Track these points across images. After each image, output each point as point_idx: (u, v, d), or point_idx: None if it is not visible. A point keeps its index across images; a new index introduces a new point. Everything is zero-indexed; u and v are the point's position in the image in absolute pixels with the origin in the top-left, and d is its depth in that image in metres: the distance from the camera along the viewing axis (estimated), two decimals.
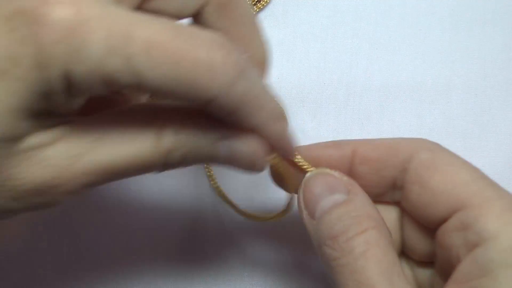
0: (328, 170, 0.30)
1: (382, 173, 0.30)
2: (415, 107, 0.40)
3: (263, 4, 0.40)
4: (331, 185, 0.29)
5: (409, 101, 0.40)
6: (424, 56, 0.40)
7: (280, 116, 0.27)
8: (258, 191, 0.39)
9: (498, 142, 0.40)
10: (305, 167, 0.31)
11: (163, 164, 0.26)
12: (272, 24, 0.40)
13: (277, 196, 0.37)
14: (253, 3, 0.40)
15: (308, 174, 0.30)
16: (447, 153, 0.29)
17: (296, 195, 0.30)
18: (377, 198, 0.31)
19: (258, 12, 0.40)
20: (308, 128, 0.39)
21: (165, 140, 0.25)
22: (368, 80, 0.40)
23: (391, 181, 0.30)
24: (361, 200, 0.29)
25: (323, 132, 0.40)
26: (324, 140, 0.39)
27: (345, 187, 0.29)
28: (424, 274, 0.31)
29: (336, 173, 0.30)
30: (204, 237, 0.38)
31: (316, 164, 0.30)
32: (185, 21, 0.27)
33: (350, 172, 0.30)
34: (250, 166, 0.27)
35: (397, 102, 0.40)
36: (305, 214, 0.30)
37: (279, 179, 0.31)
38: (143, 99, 0.32)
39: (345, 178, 0.30)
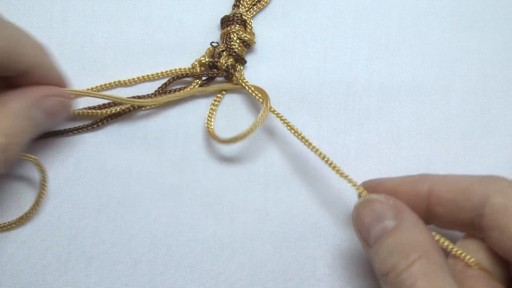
0: (374, 196, 0.31)
1: (457, 216, 0.30)
2: (415, 107, 0.40)
3: (263, 4, 0.40)
4: (379, 213, 0.30)
5: (409, 101, 0.40)
6: (424, 56, 0.40)
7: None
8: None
9: (498, 142, 0.40)
10: (359, 191, 0.32)
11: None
12: (272, 24, 0.40)
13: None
14: (253, 3, 0.40)
15: (355, 203, 0.32)
16: None
17: None
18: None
19: (259, 11, 0.40)
20: (308, 128, 0.39)
21: None
22: (368, 80, 0.40)
23: (469, 223, 0.30)
24: (408, 226, 0.29)
25: (323, 132, 0.40)
26: (324, 140, 0.39)
27: (392, 211, 0.30)
28: None
29: (382, 198, 0.31)
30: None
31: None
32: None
33: (427, 209, 0.31)
34: (65, 112, 0.35)
35: (397, 102, 0.40)
36: (361, 242, 0.31)
37: None
38: None
39: (391, 202, 0.30)
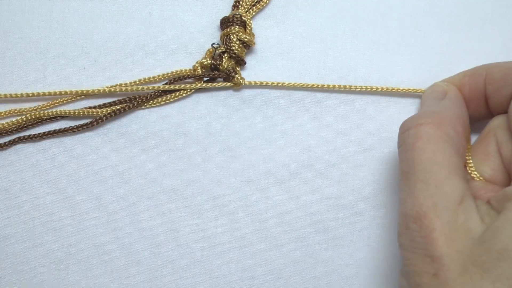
0: (439, 82, 0.36)
1: (502, 92, 0.33)
2: (415, 107, 0.40)
3: (263, 5, 0.40)
4: (435, 92, 0.35)
5: (409, 101, 0.40)
6: (424, 56, 0.41)
7: None
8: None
9: None
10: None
11: None
12: (271, 25, 0.40)
13: None
14: (253, 3, 0.40)
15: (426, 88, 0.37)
16: None
17: None
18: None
19: (258, 12, 0.40)
20: (308, 127, 0.39)
21: None
22: (368, 80, 0.40)
23: (508, 100, 0.33)
24: (445, 102, 0.33)
25: (323, 132, 0.40)
26: (324, 140, 0.39)
27: (443, 92, 0.34)
28: None
29: (444, 84, 0.35)
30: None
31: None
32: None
33: (485, 94, 0.34)
34: None
35: (397, 102, 0.40)
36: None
37: None
38: None
39: (446, 86, 0.35)
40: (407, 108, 0.40)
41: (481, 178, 0.33)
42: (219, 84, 0.39)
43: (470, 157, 0.34)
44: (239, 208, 0.39)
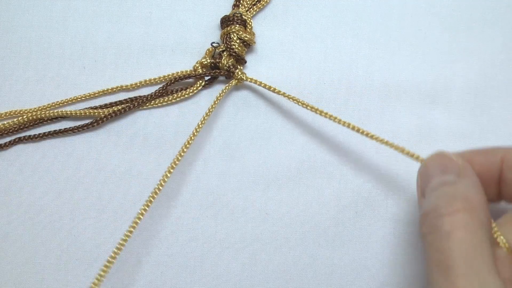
0: (447, 152, 0.31)
1: None
2: (415, 107, 0.40)
3: (263, 4, 0.40)
4: (444, 166, 0.31)
5: (409, 101, 0.40)
6: (424, 56, 0.41)
7: None
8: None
9: (498, 142, 0.40)
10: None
11: None
12: (272, 24, 0.40)
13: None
14: (253, 3, 0.40)
15: (428, 156, 0.32)
16: None
17: None
18: None
19: (259, 11, 0.40)
20: (308, 128, 0.40)
21: None
22: (368, 80, 0.40)
23: None
24: (467, 183, 0.30)
25: (323, 132, 0.40)
26: (325, 140, 0.39)
27: (457, 169, 0.30)
28: None
29: (452, 155, 0.31)
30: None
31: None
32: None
33: (500, 178, 0.31)
34: None
35: (397, 102, 0.40)
36: (417, 192, 0.32)
37: None
38: None
39: (461, 161, 0.31)
40: (408, 108, 0.40)
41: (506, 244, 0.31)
42: (224, 89, 0.39)
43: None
44: (238, 208, 0.39)
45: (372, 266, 0.39)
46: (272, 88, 0.38)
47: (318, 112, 0.36)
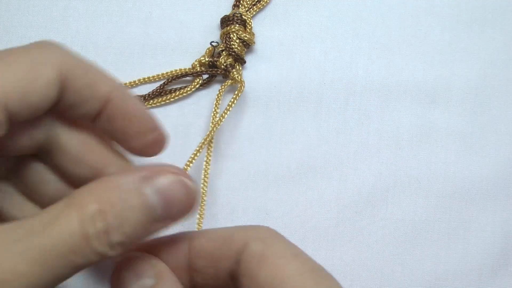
0: (136, 253, 0.28)
1: (218, 266, 0.28)
2: (415, 107, 0.40)
3: (263, 4, 0.40)
4: (139, 270, 0.28)
5: (409, 101, 0.40)
6: (424, 56, 0.40)
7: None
8: None
9: (498, 142, 0.40)
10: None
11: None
12: (272, 24, 0.40)
13: None
14: (253, 3, 0.40)
15: (119, 258, 0.28)
16: (281, 244, 0.28)
17: None
18: None
19: (259, 11, 0.40)
20: (308, 128, 0.39)
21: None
22: (368, 80, 0.40)
23: (228, 273, 0.28)
24: (167, 284, 0.27)
25: (323, 132, 0.40)
26: (324, 140, 0.39)
27: (152, 270, 0.28)
28: None
29: (143, 256, 0.28)
30: None
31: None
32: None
33: (190, 267, 0.29)
34: (187, 197, 0.26)
35: (397, 102, 0.40)
36: None
37: None
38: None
39: (154, 261, 0.28)
40: (408, 108, 0.40)
41: None
42: (221, 89, 0.38)
43: None
44: (238, 208, 0.39)
45: (372, 266, 0.39)
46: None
47: None
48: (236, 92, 0.38)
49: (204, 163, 0.36)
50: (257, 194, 0.39)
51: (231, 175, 0.39)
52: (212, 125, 0.37)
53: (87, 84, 0.27)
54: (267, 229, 0.29)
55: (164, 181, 0.26)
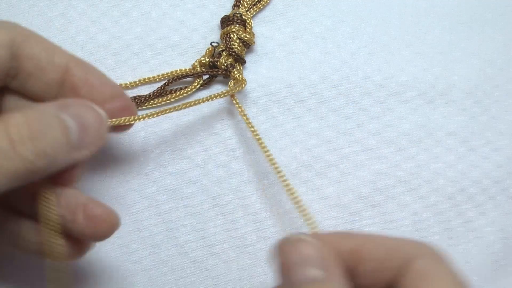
0: (310, 239, 0.28)
1: (379, 273, 0.29)
2: (415, 107, 0.40)
3: (263, 4, 0.40)
4: (308, 257, 0.28)
5: (409, 101, 0.40)
6: (424, 56, 0.41)
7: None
8: None
9: (498, 142, 0.40)
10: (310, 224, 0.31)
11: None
12: (272, 24, 0.40)
13: None
14: (253, 3, 0.40)
15: (287, 236, 0.29)
16: (447, 266, 0.28)
17: None
18: None
19: (259, 11, 0.40)
20: (308, 127, 0.40)
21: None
22: (368, 80, 0.40)
23: (387, 282, 0.29)
24: (335, 284, 0.27)
25: (323, 132, 0.40)
26: (325, 140, 0.39)
27: (322, 262, 0.28)
28: None
29: (316, 244, 0.28)
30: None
31: None
32: None
33: (351, 267, 0.29)
34: (99, 124, 0.30)
35: (397, 102, 0.40)
36: (278, 276, 0.28)
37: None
38: None
39: (325, 253, 0.28)
40: (408, 108, 0.40)
41: None
42: (220, 93, 0.38)
43: None
44: (238, 208, 0.39)
45: None
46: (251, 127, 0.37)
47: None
48: (229, 84, 0.38)
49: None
50: (257, 194, 0.39)
51: (231, 175, 0.39)
52: (252, 129, 0.36)
53: (42, 52, 0.30)
54: (434, 248, 0.29)
55: (79, 108, 0.29)
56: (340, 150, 0.40)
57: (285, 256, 0.28)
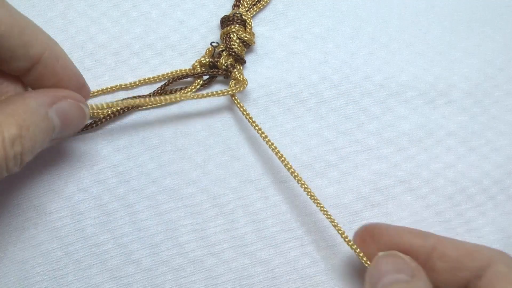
0: (400, 254, 0.33)
1: (458, 273, 0.32)
2: (415, 107, 0.40)
3: (263, 4, 0.40)
4: (398, 266, 0.32)
5: (409, 101, 0.40)
6: (424, 56, 0.41)
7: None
8: None
9: (498, 142, 0.40)
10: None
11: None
12: (272, 24, 0.40)
13: None
14: (253, 3, 0.40)
15: (381, 253, 0.33)
16: None
17: None
18: None
19: (259, 11, 0.40)
20: (308, 127, 0.40)
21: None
22: (368, 80, 0.40)
23: (465, 283, 0.32)
24: (420, 284, 0.31)
25: (323, 132, 0.40)
26: (325, 140, 0.39)
27: (411, 270, 0.31)
28: None
29: (407, 258, 0.32)
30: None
31: (397, 247, 0.33)
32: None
33: (426, 264, 0.33)
34: (81, 118, 0.33)
35: (397, 102, 0.40)
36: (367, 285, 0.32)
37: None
38: None
39: (414, 264, 0.32)
40: (408, 108, 0.40)
41: None
42: (222, 91, 0.38)
43: None
44: (238, 208, 0.39)
45: None
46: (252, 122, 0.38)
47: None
48: (230, 84, 0.38)
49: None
50: (257, 194, 0.39)
51: (231, 175, 0.39)
52: (257, 128, 0.37)
53: (21, 45, 0.31)
54: (510, 256, 0.32)
55: (65, 105, 0.32)
56: (340, 150, 0.40)
57: (379, 264, 0.32)
